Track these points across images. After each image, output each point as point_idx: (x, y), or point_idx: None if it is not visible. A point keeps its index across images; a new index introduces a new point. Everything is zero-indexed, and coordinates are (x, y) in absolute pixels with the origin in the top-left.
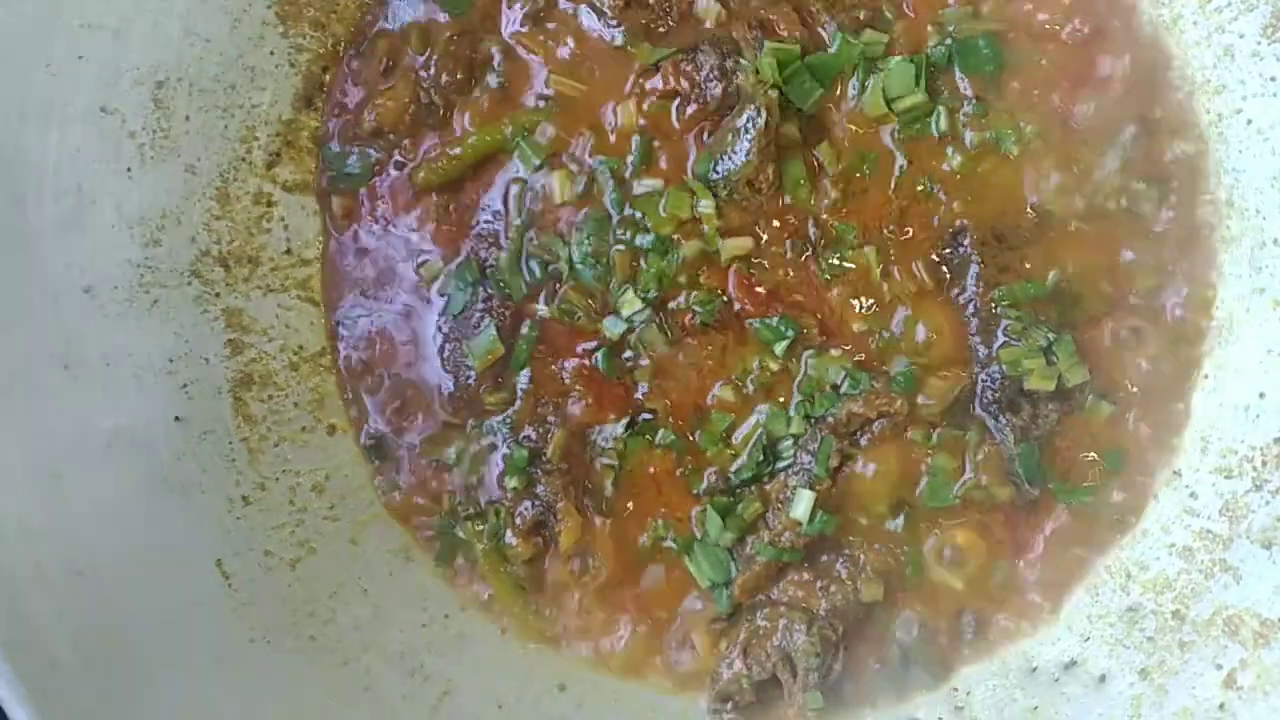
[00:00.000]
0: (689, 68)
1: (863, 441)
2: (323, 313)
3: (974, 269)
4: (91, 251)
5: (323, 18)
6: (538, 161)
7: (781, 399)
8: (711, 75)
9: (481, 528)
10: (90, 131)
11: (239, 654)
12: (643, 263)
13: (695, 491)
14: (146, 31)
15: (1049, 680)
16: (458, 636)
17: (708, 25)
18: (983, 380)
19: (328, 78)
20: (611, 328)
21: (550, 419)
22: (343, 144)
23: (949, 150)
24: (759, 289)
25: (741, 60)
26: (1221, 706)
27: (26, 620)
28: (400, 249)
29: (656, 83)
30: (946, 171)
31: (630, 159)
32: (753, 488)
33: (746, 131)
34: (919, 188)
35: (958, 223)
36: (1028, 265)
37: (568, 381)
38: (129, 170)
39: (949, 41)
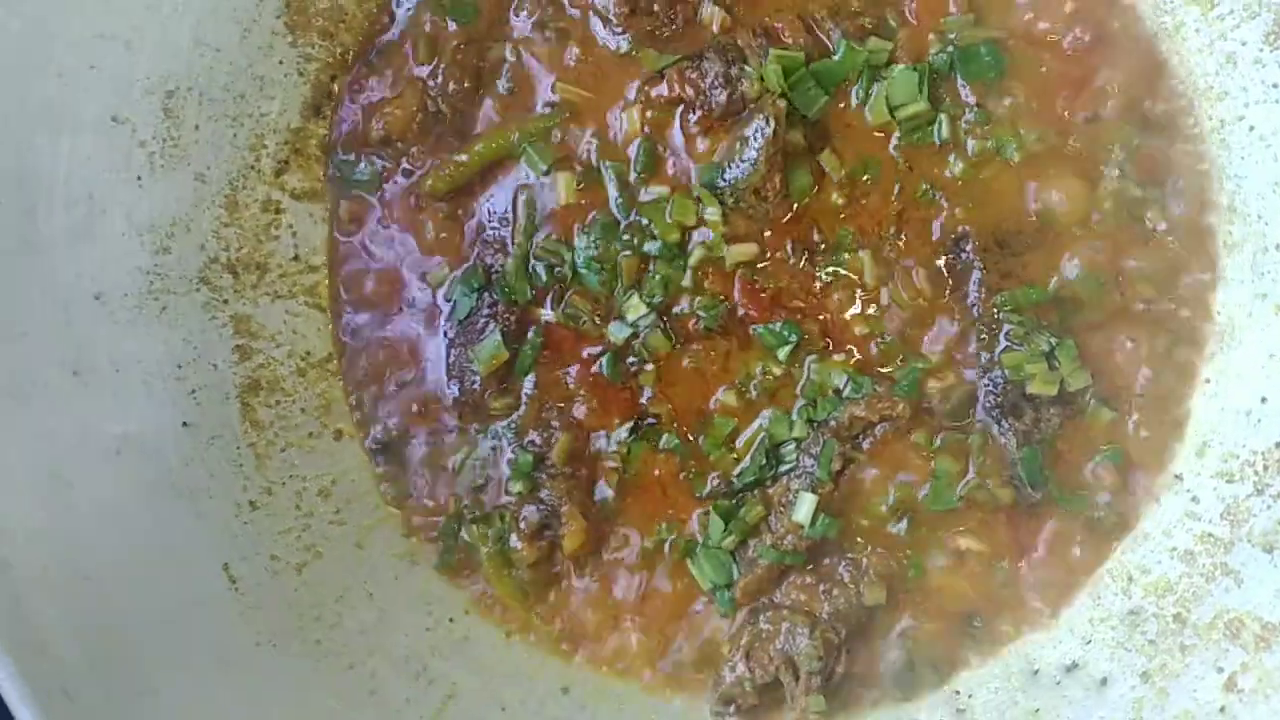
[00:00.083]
0: (694, 75)
1: (865, 445)
2: (330, 319)
3: (976, 274)
4: (102, 259)
5: (331, 27)
6: (544, 168)
7: (784, 404)
8: (716, 82)
9: (486, 532)
10: (101, 141)
11: (245, 657)
12: (649, 268)
13: (698, 495)
14: (157, 41)
15: (1051, 683)
16: (462, 640)
17: (714, 30)
18: (985, 385)
19: (336, 87)
20: (616, 333)
21: (555, 423)
22: (351, 152)
23: (951, 157)
24: (763, 295)
25: (746, 67)
26: (1222, 709)
27: (34, 624)
28: (407, 255)
29: (662, 90)
30: (948, 178)
31: (635, 165)
32: (755, 491)
33: (755, 140)
34: (921, 194)
35: (960, 229)
36: (1029, 271)
37: (572, 386)
38: (139, 179)
39: (951, 49)
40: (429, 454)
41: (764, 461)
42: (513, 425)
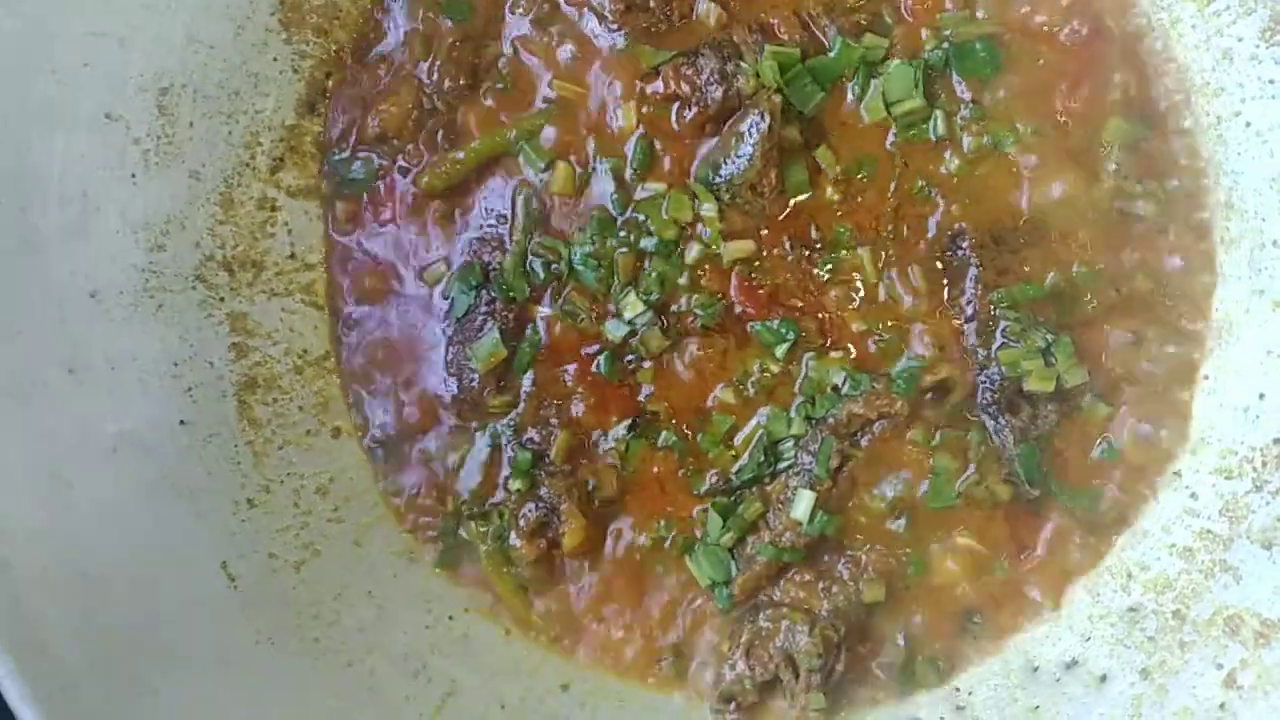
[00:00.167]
0: (689, 71)
1: (863, 442)
2: (327, 316)
3: (973, 271)
4: (96, 257)
5: (325, 24)
6: (541, 165)
7: (782, 401)
8: (712, 79)
9: (485, 529)
10: (95, 138)
11: (243, 655)
12: (646, 265)
13: (697, 492)
14: (151, 39)
15: (1050, 680)
16: (461, 637)
17: (710, 26)
18: (982, 382)
19: (330, 83)
20: (613, 331)
21: (553, 421)
22: (346, 149)
23: (947, 154)
24: (760, 292)
25: (742, 64)
26: (1222, 706)
27: (33, 622)
28: (404, 253)
29: (658, 86)
30: (944, 174)
31: (631, 162)
32: (754, 488)
33: (750, 135)
34: (917, 191)
35: (956, 225)
36: (1026, 267)
37: (570, 384)
38: (133, 176)
39: (946, 45)
40: (427, 452)
41: (762, 459)
42: (511, 423)
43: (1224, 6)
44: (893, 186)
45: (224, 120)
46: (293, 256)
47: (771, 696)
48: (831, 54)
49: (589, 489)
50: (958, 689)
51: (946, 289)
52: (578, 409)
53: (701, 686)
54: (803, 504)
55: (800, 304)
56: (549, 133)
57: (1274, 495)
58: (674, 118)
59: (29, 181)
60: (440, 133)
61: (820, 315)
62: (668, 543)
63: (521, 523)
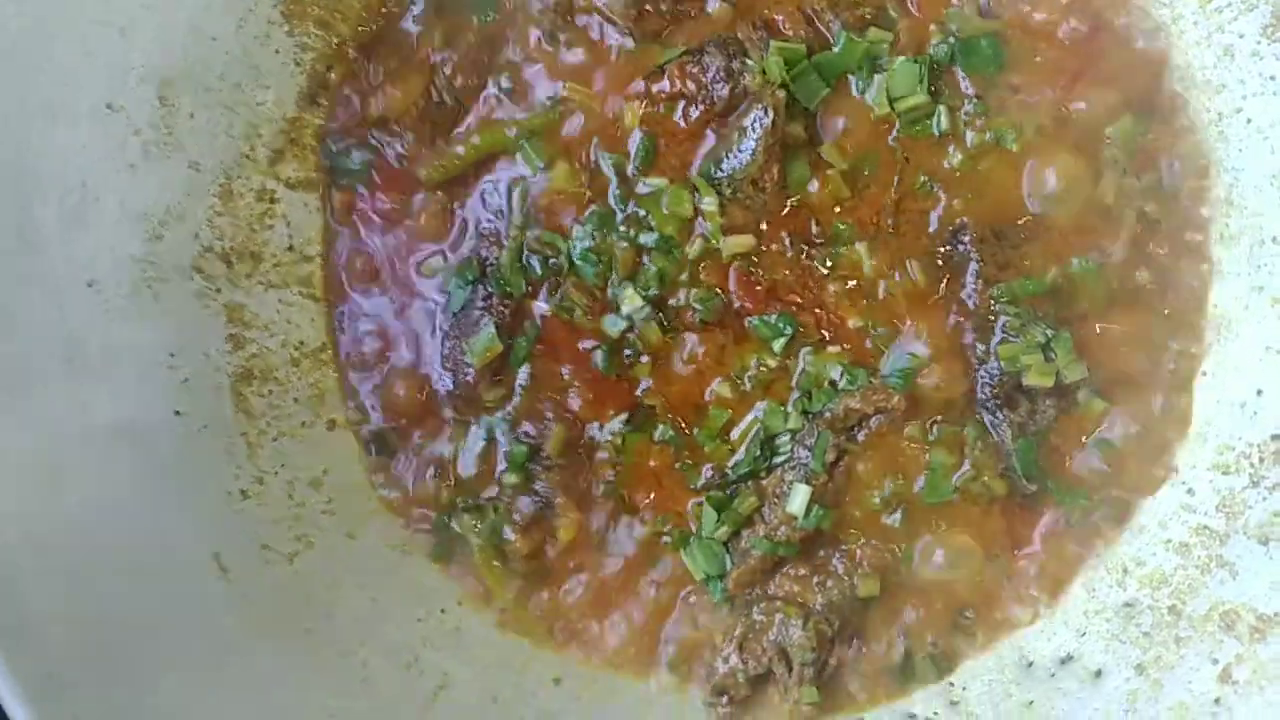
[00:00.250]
0: (695, 69)
1: (860, 437)
2: (324, 309)
3: (973, 266)
4: (95, 247)
5: (328, 17)
6: (541, 163)
7: (779, 396)
8: (718, 77)
9: (479, 523)
10: (95, 128)
11: (235, 646)
12: (646, 260)
13: (693, 486)
14: (153, 29)
15: (1045, 675)
16: (454, 631)
17: (720, 21)
18: (981, 377)
19: (333, 76)
20: (611, 325)
21: (549, 415)
22: (345, 137)
23: (950, 149)
24: (759, 287)
25: (748, 61)
26: (1217, 701)
27: (22, 611)
28: (401, 246)
29: (664, 85)
30: (947, 170)
31: (634, 159)
32: (749, 483)
33: (753, 130)
34: (919, 186)
35: (957, 220)
36: (1026, 262)
37: (567, 378)
38: (133, 166)
39: (951, 40)
40: (422, 445)
41: (758, 453)
42: (507, 417)
43: (1225, 3)
44: (895, 182)
45: (224, 112)
46: (291, 248)
47: (764, 690)
48: (836, 49)
49: (584, 483)
50: (952, 684)
51: (946, 284)
52: (574, 403)
53: (694, 680)
54: (798, 498)
55: (799, 299)
56: (551, 131)
57: (1271, 491)
58: (680, 116)
59: (29, 171)
60: (440, 126)
61: (818, 310)
62: (663, 536)
63: (516, 516)
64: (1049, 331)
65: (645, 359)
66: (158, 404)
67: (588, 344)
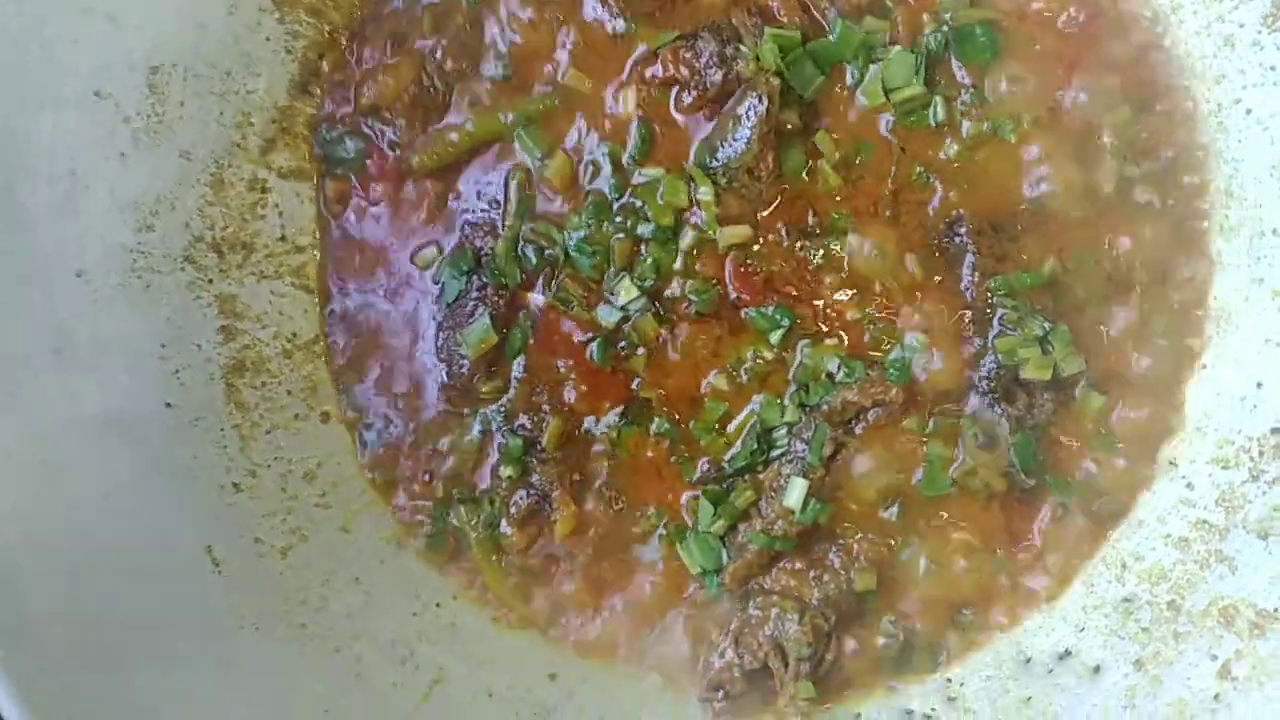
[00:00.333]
0: (689, 55)
1: (857, 430)
2: (317, 300)
3: (970, 258)
4: (84, 236)
5: (319, 4)
6: (538, 151)
7: (776, 388)
8: (711, 62)
9: (475, 516)
10: (84, 116)
11: (228, 641)
12: (642, 251)
13: (689, 480)
14: (142, 16)
15: (1043, 671)
16: (449, 625)
17: (714, 5)
18: (978, 370)
19: (325, 64)
20: (606, 316)
21: (545, 408)
22: (337, 125)
23: (946, 140)
24: (755, 278)
25: (742, 47)
26: (1216, 697)
27: (13, 604)
28: (395, 236)
29: (656, 70)
30: (943, 160)
31: (630, 146)
32: (746, 476)
33: (748, 118)
34: (915, 177)
35: (954, 212)
36: (1024, 254)
37: (562, 370)
38: (123, 155)
39: (946, 29)
40: (417, 437)
41: (755, 446)
42: (502, 409)
43: None
44: (891, 172)
45: (215, 100)
46: (283, 239)
47: (761, 685)
48: (831, 37)
49: (581, 476)
50: (949, 680)
51: (943, 276)
52: (570, 395)
53: (690, 675)
54: (795, 492)
55: (795, 291)
56: (546, 117)
57: (1270, 485)
58: (673, 102)
59: (16, 158)
60: (432, 112)
61: (815, 302)
62: (659, 530)
63: (512, 510)
64: (1047, 324)
65: (641, 351)
66: (148, 396)
67: (584, 335)
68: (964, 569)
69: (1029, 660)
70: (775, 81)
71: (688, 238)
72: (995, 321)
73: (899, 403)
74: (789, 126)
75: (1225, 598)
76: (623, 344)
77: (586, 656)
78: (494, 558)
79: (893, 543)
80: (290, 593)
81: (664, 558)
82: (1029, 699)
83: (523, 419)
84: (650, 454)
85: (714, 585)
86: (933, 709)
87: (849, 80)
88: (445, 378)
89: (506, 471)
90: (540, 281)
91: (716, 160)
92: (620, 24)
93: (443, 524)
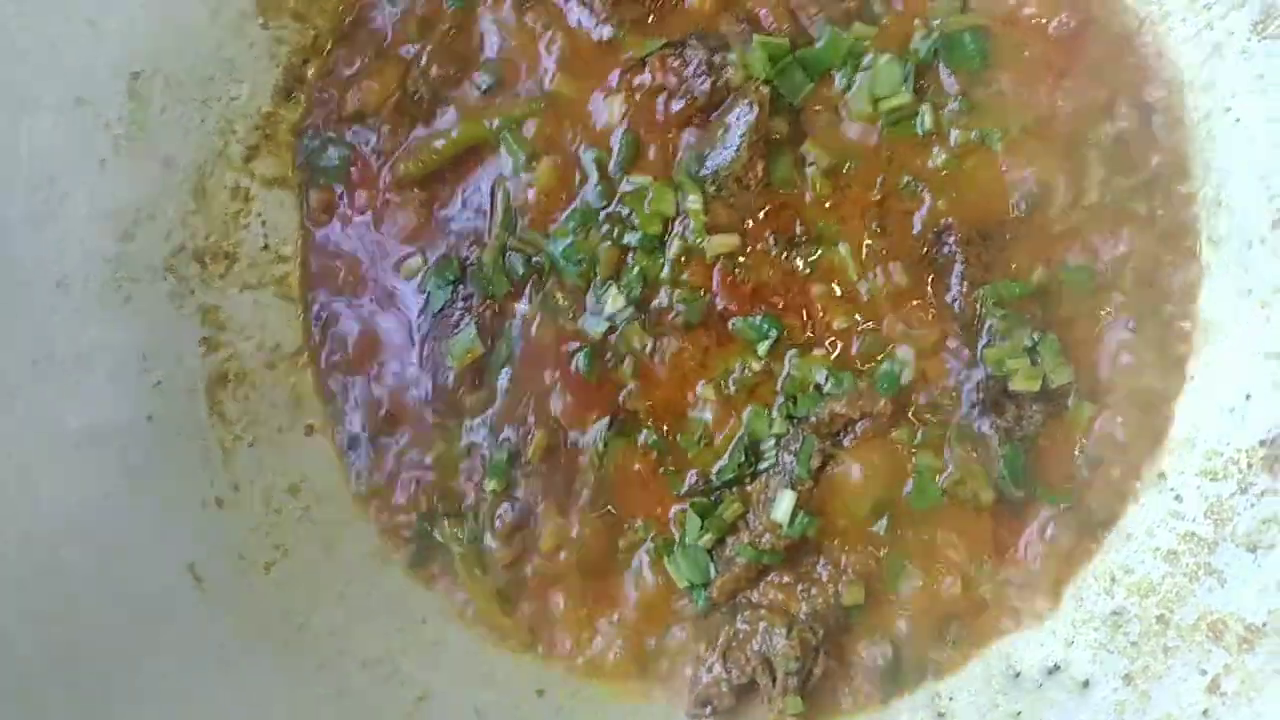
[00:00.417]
0: (676, 63)
1: (845, 442)
2: (300, 311)
3: (958, 268)
4: (64, 245)
5: (303, 9)
6: (524, 157)
7: (764, 400)
8: (699, 70)
9: (460, 531)
10: (64, 123)
11: (210, 658)
12: (629, 260)
13: (676, 493)
14: (123, 21)
15: (1032, 685)
16: (434, 641)
17: (702, 12)
18: (967, 381)
19: (309, 71)
20: (593, 327)
21: (530, 419)
22: (321, 133)
23: (934, 148)
24: (743, 287)
25: (730, 55)
26: (1205, 712)
27: None
28: (379, 246)
29: (644, 78)
30: (931, 169)
31: (617, 155)
32: (734, 489)
33: (737, 126)
34: (903, 186)
35: (942, 221)
36: (1013, 264)
37: (548, 382)
38: (103, 162)
39: (935, 35)
40: (401, 450)
41: (743, 458)
42: (487, 421)
43: (1214, 0)
44: (879, 181)
45: (198, 106)
46: (266, 248)
47: (749, 700)
48: (820, 44)
49: (566, 489)
50: (938, 694)
51: (931, 286)
52: (556, 407)
53: (678, 690)
54: (783, 505)
55: (783, 301)
56: (532, 125)
57: (1259, 498)
58: (660, 110)
59: None
60: (417, 119)
61: (803, 312)
62: (646, 544)
63: (497, 524)
64: (1035, 335)
65: (628, 362)
66: (129, 408)
67: (570, 346)
68: (953, 582)
69: (1018, 674)
70: (766, 90)
71: (675, 247)
72: (984, 331)
73: (887, 414)
74: (777, 135)
75: (1214, 611)
76: (609, 355)
77: (573, 672)
78: (478, 572)
79: (881, 556)
80: (273, 609)
81: (651, 571)
82: (1018, 713)
83: (508, 431)
84: (637, 466)
85: (701, 599)
86: None
87: (837, 87)
88: (430, 389)
89: (491, 485)
90: (527, 292)
91: (705, 168)
92: (607, 31)
93: (426, 539)
